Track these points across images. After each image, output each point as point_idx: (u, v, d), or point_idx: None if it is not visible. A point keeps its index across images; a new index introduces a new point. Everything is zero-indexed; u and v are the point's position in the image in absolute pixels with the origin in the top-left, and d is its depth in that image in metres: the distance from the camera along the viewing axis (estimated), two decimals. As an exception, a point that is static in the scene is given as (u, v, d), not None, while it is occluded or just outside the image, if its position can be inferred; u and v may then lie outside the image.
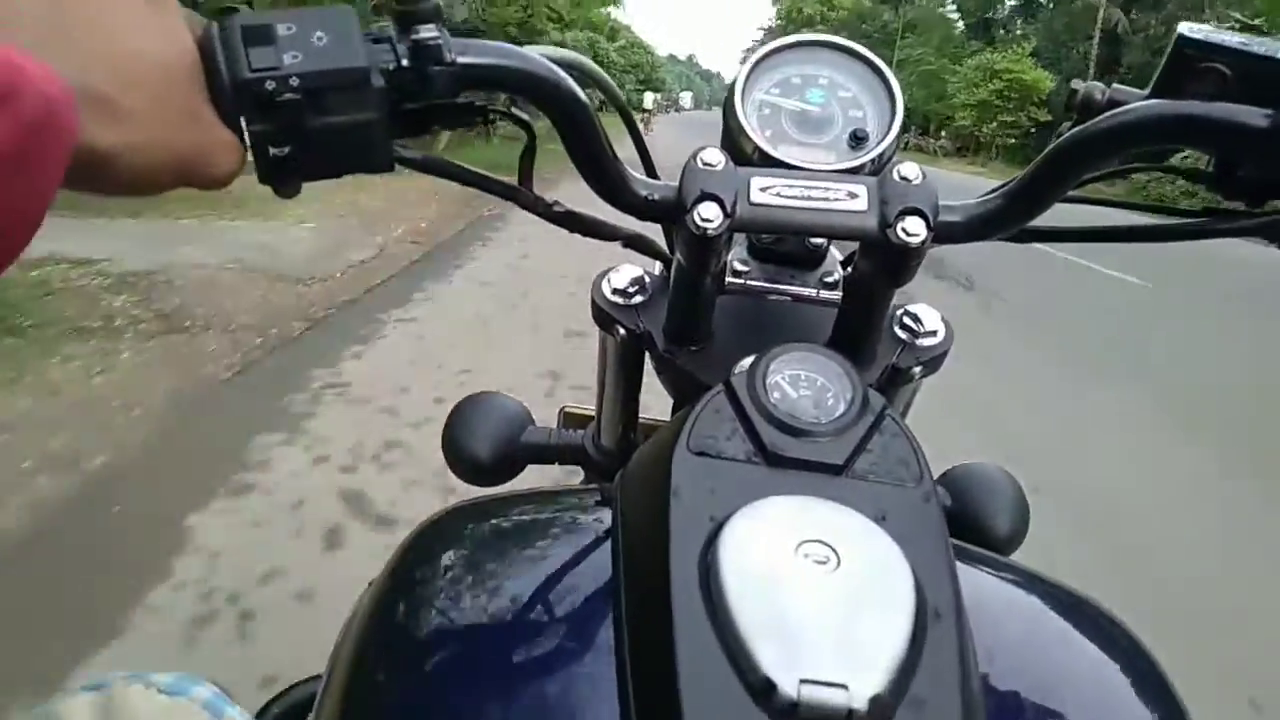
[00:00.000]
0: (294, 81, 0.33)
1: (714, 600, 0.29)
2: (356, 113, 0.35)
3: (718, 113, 0.58)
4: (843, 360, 0.38)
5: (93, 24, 0.29)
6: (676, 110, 67.26)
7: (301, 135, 0.34)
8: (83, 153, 0.27)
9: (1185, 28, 0.41)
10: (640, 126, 0.57)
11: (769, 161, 0.47)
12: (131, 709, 0.48)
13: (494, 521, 0.45)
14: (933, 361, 0.51)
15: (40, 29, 0.27)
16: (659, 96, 51.52)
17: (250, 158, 0.35)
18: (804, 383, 0.37)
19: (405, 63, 0.36)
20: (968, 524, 0.59)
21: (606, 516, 0.41)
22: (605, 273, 0.54)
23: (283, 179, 0.36)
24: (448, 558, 0.42)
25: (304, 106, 0.33)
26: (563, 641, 0.35)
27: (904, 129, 0.51)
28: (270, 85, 0.33)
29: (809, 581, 0.29)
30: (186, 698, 0.50)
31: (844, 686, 0.26)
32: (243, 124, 0.34)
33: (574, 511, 0.44)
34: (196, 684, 0.51)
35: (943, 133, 37.35)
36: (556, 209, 0.46)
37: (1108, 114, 0.41)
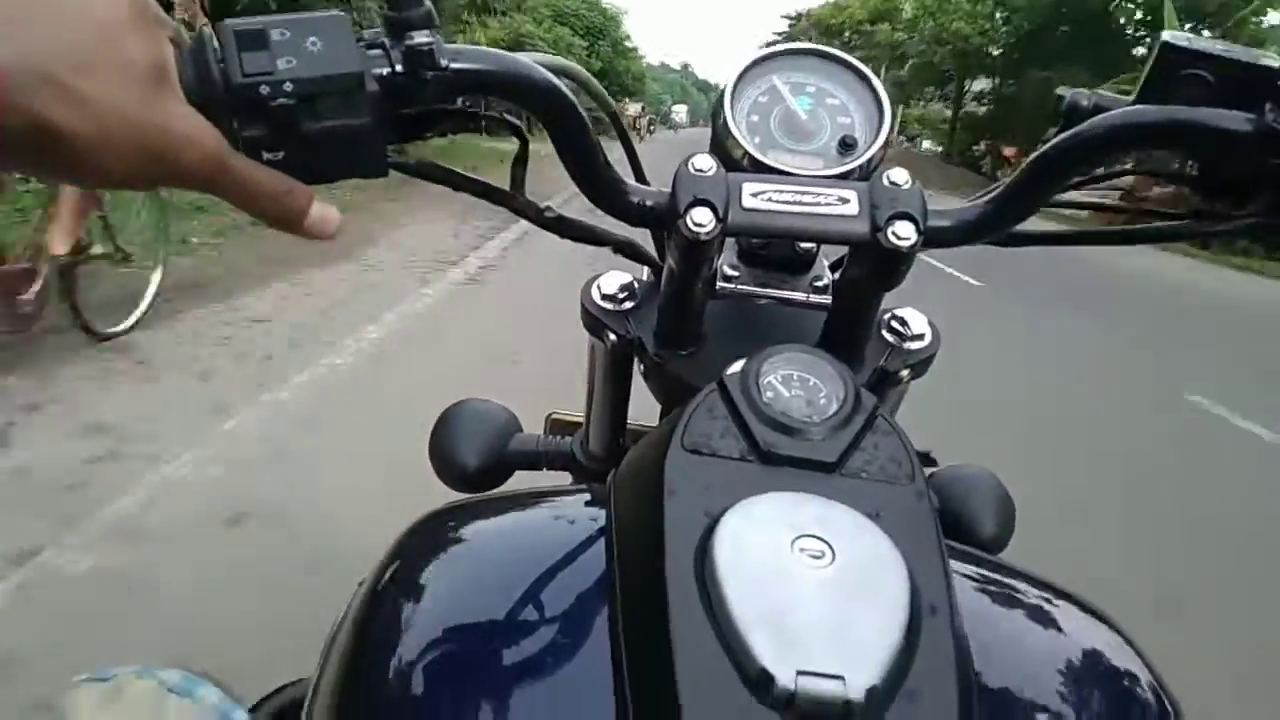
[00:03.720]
0: (288, 86, 0.33)
1: (710, 594, 0.29)
2: (350, 118, 0.35)
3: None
4: (834, 361, 0.39)
5: (55, 14, 0.29)
6: (670, 128, 55.28)
7: (295, 140, 0.34)
8: (35, 129, 0.28)
9: (1169, 35, 0.42)
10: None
11: (759, 167, 0.47)
12: (138, 704, 0.48)
13: (485, 522, 0.45)
14: (920, 364, 0.52)
15: (5, 17, 0.28)
16: (643, 108, 38.46)
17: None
18: (796, 383, 0.38)
19: (399, 68, 0.36)
20: (955, 525, 0.59)
21: (599, 515, 0.41)
22: (594, 279, 0.54)
23: None
24: (439, 558, 0.42)
25: (297, 111, 0.33)
26: (557, 640, 0.35)
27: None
28: (264, 90, 0.33)
29: (805, 575, 0.29)
30: (192, 699, 0.50)
31: (840, 678, 0.26)
32: (235, 127, 0.34)
33: (566, 511, 0.44)
34: (203, 685, 0.51)
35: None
36: (548, 215, 0.47)
37: (1091, 120, 0.42)
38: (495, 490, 0.66)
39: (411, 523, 0.44)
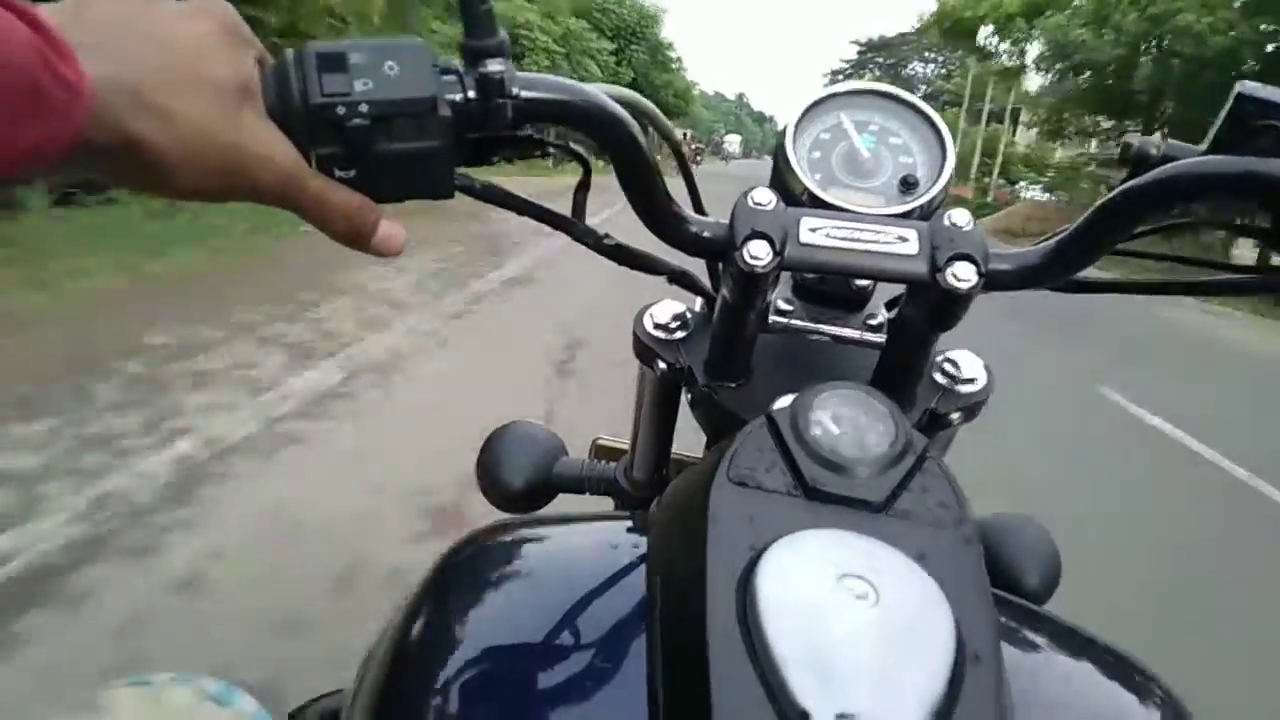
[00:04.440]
0: (363, 108, 0.34)
1: (751, 629, 0.28)
2: (422, 140, 0.36)
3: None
4: (886, 400, 0.38)
5: (146, 33, 0.31)
6: (722, 158, 53.19)
7: (367, 159, 0.35)
8: (123, 143, 0.30)
9: (1243, 86, 0.41)
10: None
11: (818, 203, 0.47)
12: (175, 708, 0.49)
13: (529, 543, 0.45)
14: (972, 409, 0.51)
15: (102, 34, 0.30)
16: (686, 135, 33.01)
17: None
18: (846, 420, 0.37)
19: (471, 94, 0.37)
20: (1000, 573, 0.58)
21: (641, 542, 0.41)
22: (647, 307, 0.54)
23: None
24: (482, 577, 0.42)
25: (372, 132, 0.35)
26: (595, 667, 0.35)
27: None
28: (340, 110, 0.34)
29: (848, 615, 0.28)
30: (231, 708, 0.51)
31: None
32: (311, 145, 0.35)
33: (608, 537, 0.44)
34: (240, 694, 0.52)
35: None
36: (607, 241, 0.47)
37: (1162, 168, 0.41)
38: (538, 512, 0.67)
39: (455, 541, 0.45)
